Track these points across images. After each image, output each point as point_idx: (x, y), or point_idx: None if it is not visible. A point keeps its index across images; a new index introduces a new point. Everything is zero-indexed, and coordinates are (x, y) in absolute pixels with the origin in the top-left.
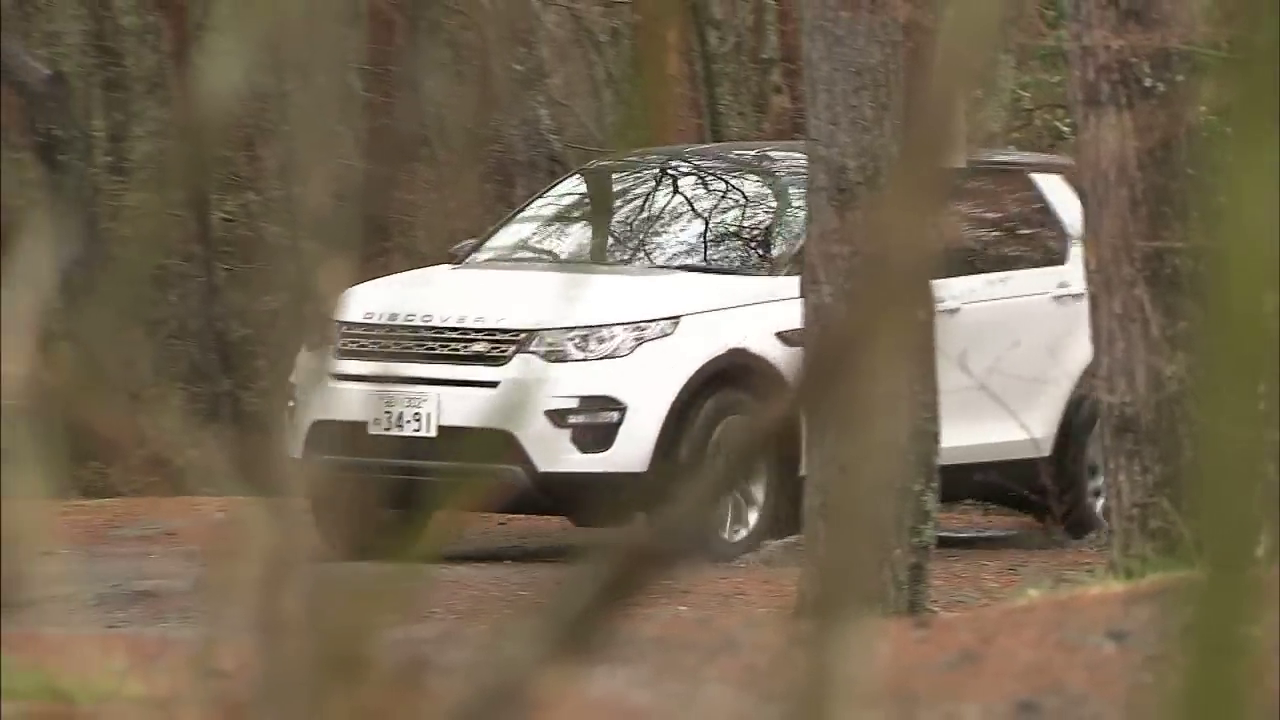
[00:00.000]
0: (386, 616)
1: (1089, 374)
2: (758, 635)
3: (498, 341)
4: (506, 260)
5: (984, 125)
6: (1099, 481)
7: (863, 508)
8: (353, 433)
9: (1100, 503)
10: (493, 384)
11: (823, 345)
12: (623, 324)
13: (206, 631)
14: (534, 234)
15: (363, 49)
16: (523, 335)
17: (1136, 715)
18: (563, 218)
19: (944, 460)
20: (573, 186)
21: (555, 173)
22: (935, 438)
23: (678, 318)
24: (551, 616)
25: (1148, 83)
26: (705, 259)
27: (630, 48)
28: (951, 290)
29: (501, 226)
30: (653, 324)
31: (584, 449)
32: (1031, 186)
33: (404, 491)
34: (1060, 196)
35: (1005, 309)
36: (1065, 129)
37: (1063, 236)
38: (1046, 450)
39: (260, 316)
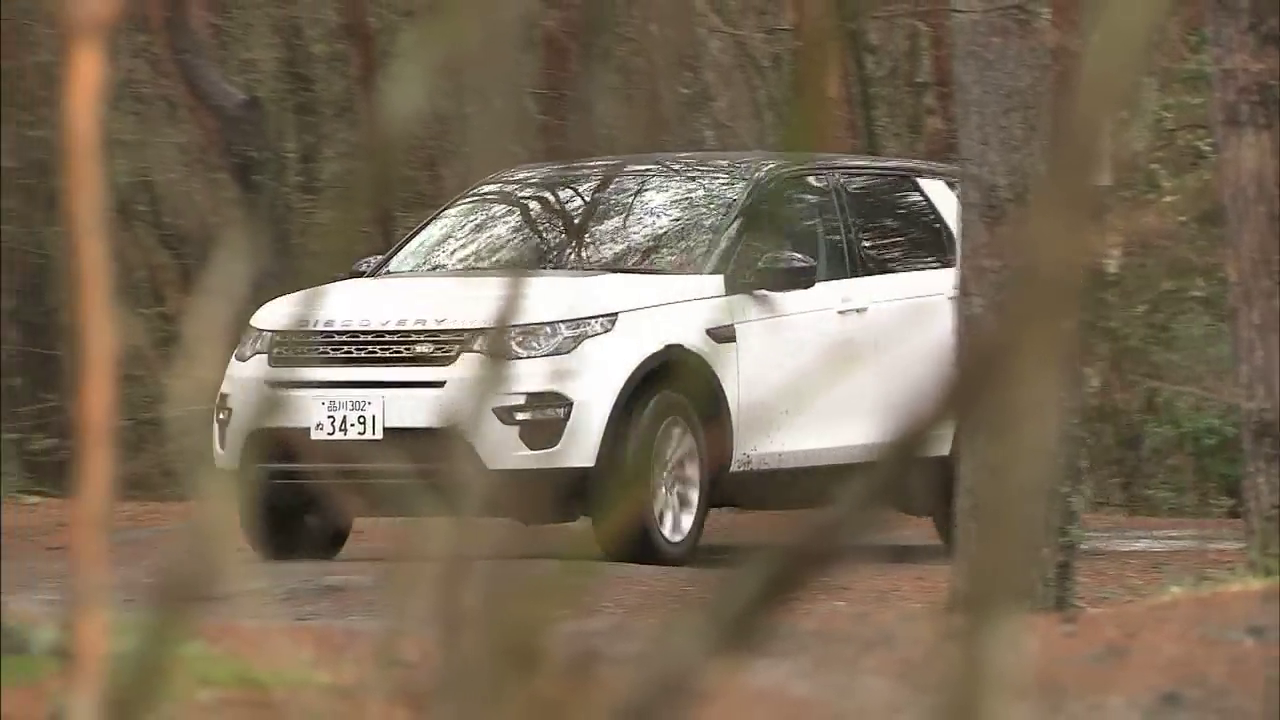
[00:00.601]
0: (560, 611)
1: None
2: (912, 630)
3: (442, 342)
4: (426, 270)
5: (1128, 145)
6: None
7: (1013, 509)
8: (294, 439)
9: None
10: (439, 384)
11: (974, 354)
12: (564, 321)
13: (390, 625)
14: (444, 244)
15: (538, 74)
16: (466, 335)
17: (1275, 707)
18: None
19: (852, 459)
20: (470, 201)
21: None
22: (1082, 441)
23: (615, 315)
24: (717, 612)
25: None
26: (638, 261)
27: (791, 72)
28: (858, 290)
29: (406, 241)
30: (593, 321)
31: (532, 445)
32: (919, 191)
33: (352, 494)
34: (944, 201)
35: (908, 309)
36: (1206, 149)
37: (950, 240)
38: (945, 450)
39: None
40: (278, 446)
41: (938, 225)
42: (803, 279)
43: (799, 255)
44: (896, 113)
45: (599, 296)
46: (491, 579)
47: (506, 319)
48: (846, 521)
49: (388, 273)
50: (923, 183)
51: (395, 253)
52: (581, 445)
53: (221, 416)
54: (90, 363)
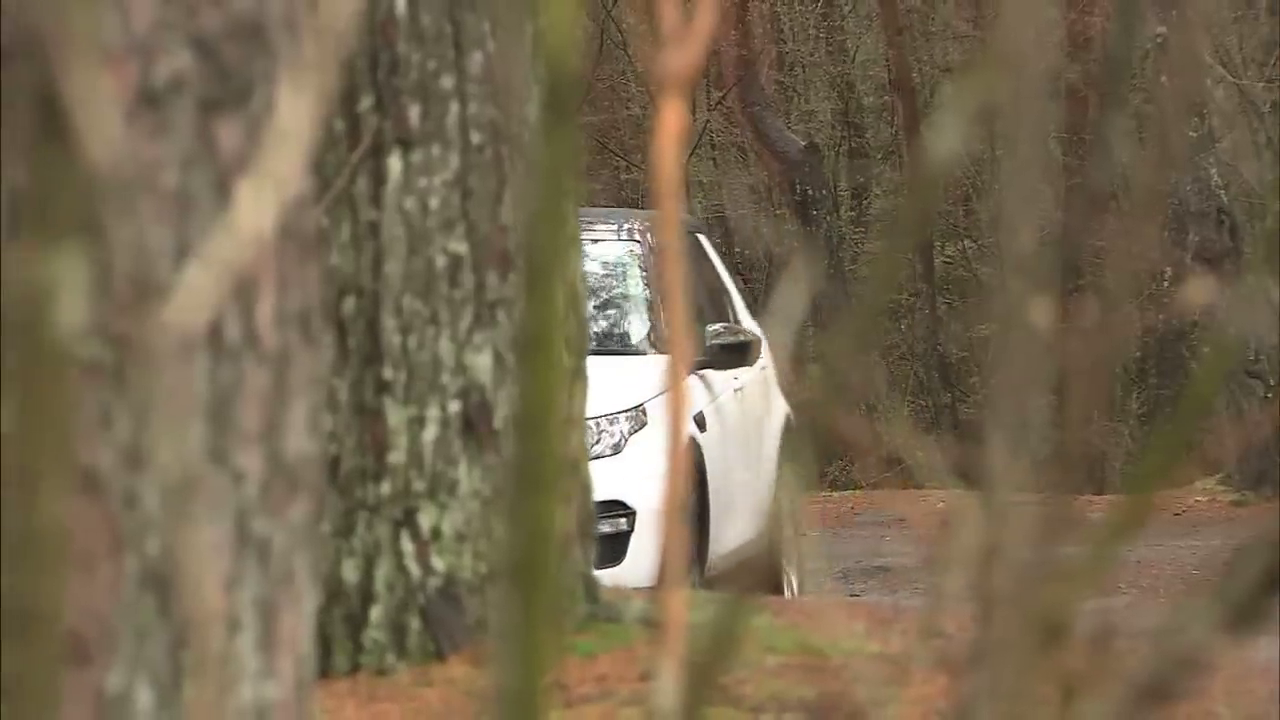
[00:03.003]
0: (1083, 591)
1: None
2: None
3: None
4: None
5: None
6: None
7: None
8: None
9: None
10: None
11: None
12: (611, 414)
13: (932, 601)
14: None
15: (1062, 121)
16: None
17: None
18: None
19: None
20: None
21: (1223, 221)
22: None
23: (643, 405)
24: (1223, 594)
25: None
26: (619, 340)
27: None
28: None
29: None
30: (631, 413)
31: (600, 563)
32: (702, 249)
33: None
34: (716, 257)
35: (762, 382)
36: None
37: (730, 300)
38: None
39: (976, 342)
40: None
41: (719, 284)
42: (749, 355)
43: (741, 329)
44: None
45: (625, 383)
46: (1022, 561)
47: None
48: None
49: None
50: (701, 239)
51: None
52: (643, 562)
53: None
54: (670, 372)
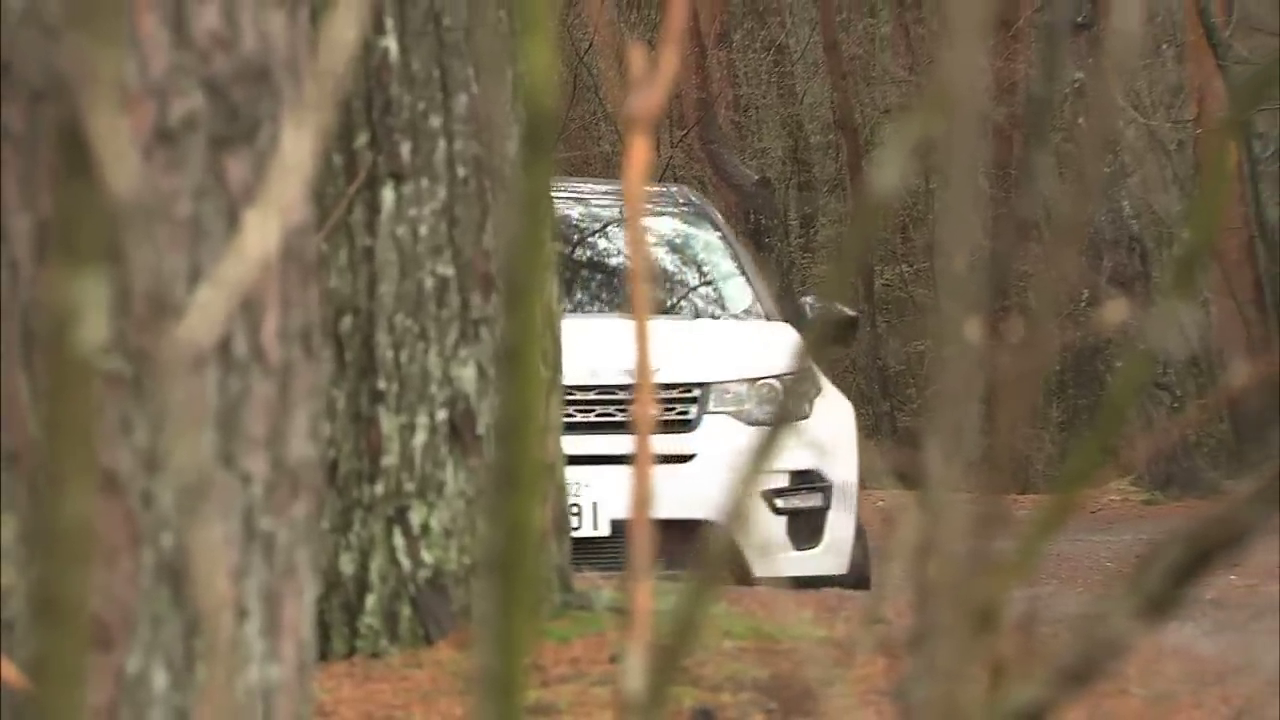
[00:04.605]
0: (1011, 582)
1: None
2: None
3: (673, 401)
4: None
5: None
6: None
7: None
8: None
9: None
10: (683, 458)
11: None
12: (773, 377)
13: (875, 591)
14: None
15: (991, 157)
16: (697, 391)
17: None
18: None
19: None
20: None
21: (1134, 248)
22: None
23: (809, 367)
24: (1139, 585)
25: None
26: (733, 306)
27: (1193, 154)
28: None
29: None
30: (801, 375)
31: (797, 544)
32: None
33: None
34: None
35: None
36: None
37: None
38: None
39: (912, 356)
40: None
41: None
42: (850, 334)
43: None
44: (1278, 187)
45: (766, 347)
46: (956, 555)
47: (744, 370)
48: (1252, 509)
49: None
50: None
51: None
52: (839, 545)
53: None
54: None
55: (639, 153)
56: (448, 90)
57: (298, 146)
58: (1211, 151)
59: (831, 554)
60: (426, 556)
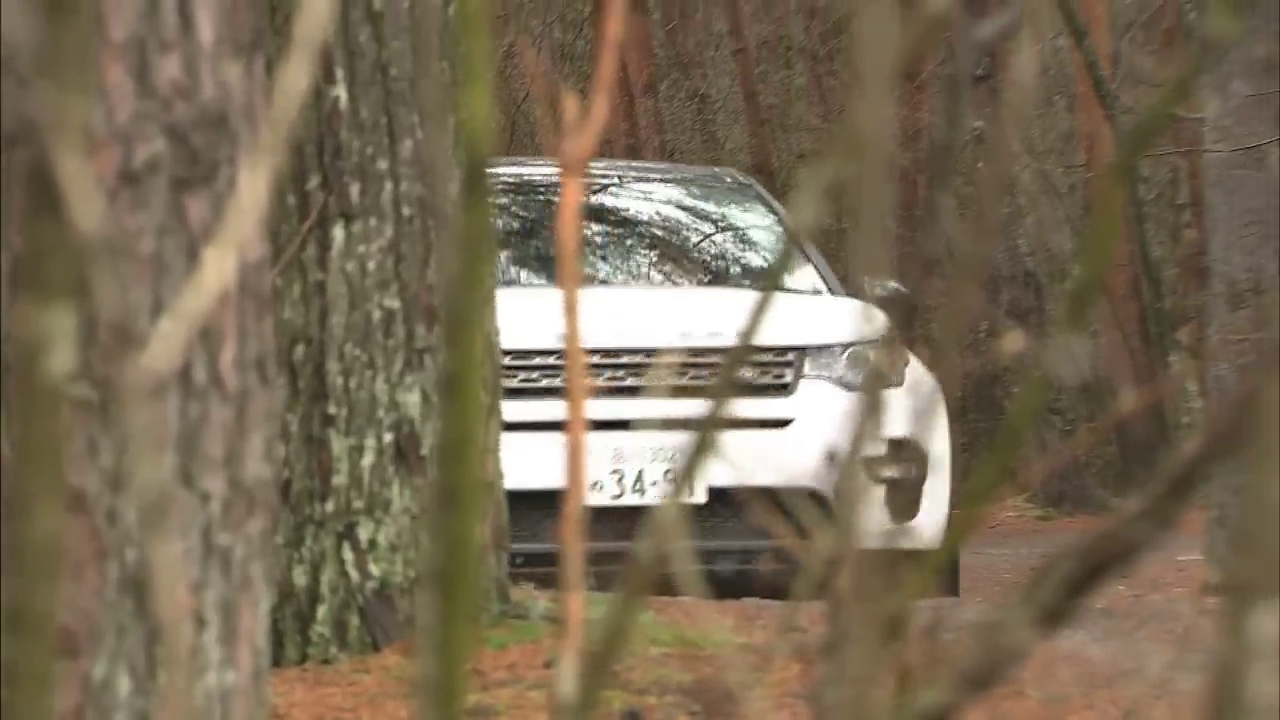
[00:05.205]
0: (915, 591)
1: None
2: (1180, 609)
3: (770, 365)
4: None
5: None
6: None
7: (1258, 522)
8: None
9: None
10: (781, 423)
11: (1227, 408)
12: (859, 342)
13: (790, 601)
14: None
15: (897, 199)
16: (792, 355)
17: None
18: None
19: None
20: None
21: (1030, 283)
22: None
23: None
24: (1035, 594)
25: None
26: (794, 279)
27: (1083, 196)
28: None
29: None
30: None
31: (895, 515)
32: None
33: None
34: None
35: None
36: None
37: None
38: None
39: None
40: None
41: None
42: (914, 315)
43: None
44: (1161, 227)
45: (843, 317)
46: (866, 567)
47: (835, 334)
48: (1138, 526)
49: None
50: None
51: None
52: (934, 519)
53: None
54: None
55: (571, 194)
56: (394, 136)
57: (253, 188)
58: (1100, 194)
59: (928, 526)
60: (374, 569)
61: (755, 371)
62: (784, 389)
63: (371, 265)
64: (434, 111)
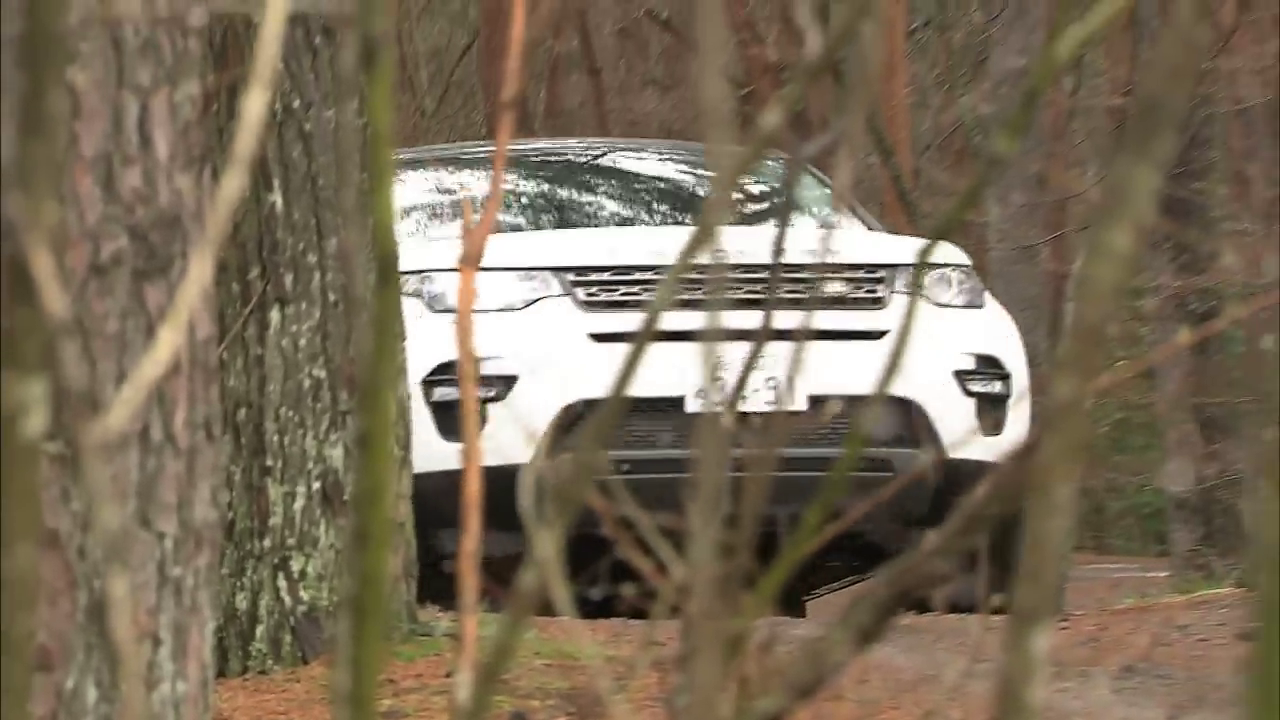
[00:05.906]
0: (758, 609)
1: None
2: (970, 627)
3: (863, 280)
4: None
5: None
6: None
7: (1038, 559)
8: (657, 413)
9: None
10: (876, 334)
11: (1010, 462)
12: (959, 265)
13: (651, 620)
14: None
15: None
16: (883, 272)
17: (1198, 679)
18: None
19: None
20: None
21: None
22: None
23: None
24: (853, 616)
25: None
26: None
27: None
28: None
29: None
30: (963, 270)
31: (986, 429)
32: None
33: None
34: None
35: None
36: None
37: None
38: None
39: None
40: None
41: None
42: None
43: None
44: None
45: (895, 246)
46: (713, 586)
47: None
48: (935, 561)
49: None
50: None
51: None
52: (1019, 435)
53: (490, 391)
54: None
55: (468, 285)
56: (321, 234)
57: (201, 277)
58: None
59: (1009, 445)
60: (304, 595)
61: (850, 286)
62: (877, 302)
63: (303, 342)
64: (353, 215)
